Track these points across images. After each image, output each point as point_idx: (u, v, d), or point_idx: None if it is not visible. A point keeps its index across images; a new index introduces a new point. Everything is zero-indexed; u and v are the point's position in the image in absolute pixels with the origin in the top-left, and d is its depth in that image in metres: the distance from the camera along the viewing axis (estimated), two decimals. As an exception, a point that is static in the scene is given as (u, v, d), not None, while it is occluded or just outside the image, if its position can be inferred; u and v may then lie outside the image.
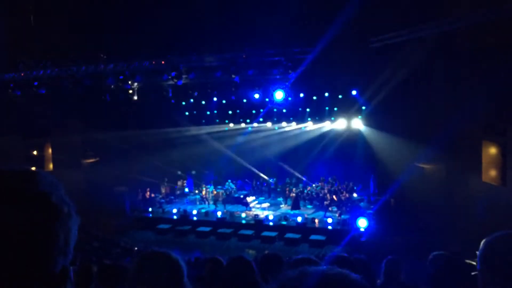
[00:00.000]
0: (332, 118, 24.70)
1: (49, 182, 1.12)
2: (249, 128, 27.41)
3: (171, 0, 19.69)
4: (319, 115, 25.39)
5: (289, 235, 19.77)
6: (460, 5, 15.86)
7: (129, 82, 18.57)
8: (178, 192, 26.56)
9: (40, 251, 1.04)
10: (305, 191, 24.72)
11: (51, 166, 22.54)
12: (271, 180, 26.68)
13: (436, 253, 3.40)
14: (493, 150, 15.96)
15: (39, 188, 1.09)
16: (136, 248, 16.64)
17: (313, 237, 19.40)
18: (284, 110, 25.82)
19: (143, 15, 19.39)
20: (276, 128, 27.69)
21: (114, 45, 18.41)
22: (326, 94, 22.43)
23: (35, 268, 1.03)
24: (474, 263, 1.98)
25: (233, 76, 17.47)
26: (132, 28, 19.24)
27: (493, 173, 15.92)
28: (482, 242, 1.89)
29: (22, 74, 18.59)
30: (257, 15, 18.02)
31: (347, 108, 23.35)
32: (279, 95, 17.72)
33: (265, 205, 23.69)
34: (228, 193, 25.27)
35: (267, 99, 19.53)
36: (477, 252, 1.90)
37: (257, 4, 18.25)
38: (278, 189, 26.43)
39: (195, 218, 22.28)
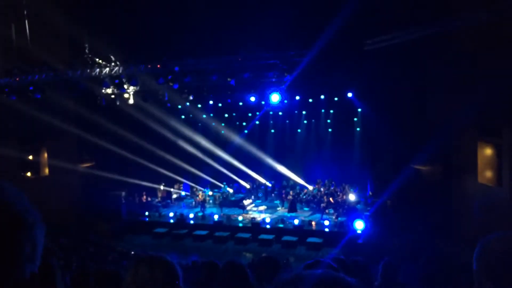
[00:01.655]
0: (328, 121, 24.75)
1: (12, 192, 1.14)
2: (245, 131, 27.44)
3: (167, 3, 19.71)
4: (315, 118, 25.43)
5: (286, 237, 19.75)
6: (455, 7, 15.95)
7: (125, 86, 18.53)
8: (174, 195, 26.51)
9: (7, 260, 1.06)
10: (302, 193, 24.73)
11: (46, 171, 22.45)
12: (269, 183, 26.66)
13: (431, 254, 3.42)
14: (488, 151, 16.02)
15: (1, 198, 1.11)
16: (132, 252, 16.59)
17: (310, 239, 19.39)
18: (280, 113, 25.88)
19: (138, 18, 19.38)
20: (272, 130, 27.74)
21: (109, 49, 18.37)
22: (322, 97, 22.49)
23: (4, 276, 1.05)
24: (470, 263, 1.98)
25: (229, 79, 17.47)
26: (127, 31, 19.23)
27: (489, 174, 15.97)
28: (478, 243, 1.89)
29: (18, 79, 18.52)
30: (253, 18, 18.06)
31: (343, 110, 23.40)
32: (275, 98, 17.72)
33: (262, 208, 23.67)
34: (224, 196, 25.25)
35: (263, 102, 19.55)
36: (473, 253, 1.90)
37: (252, 7, 18.29)
38: (275, 192, 26.40)
39: (192, 222, 22.23)
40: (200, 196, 24.58)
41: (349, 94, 21.16)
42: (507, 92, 13.62)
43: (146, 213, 23.52)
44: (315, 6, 17.84)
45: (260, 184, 27.06)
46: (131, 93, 19.47)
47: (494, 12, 12.15)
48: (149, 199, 24.87)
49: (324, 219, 20.64)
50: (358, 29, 16.38)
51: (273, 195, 26.29)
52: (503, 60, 13.51)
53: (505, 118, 14.41)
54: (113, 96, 19.69)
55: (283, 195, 24.46)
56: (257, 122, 26.77)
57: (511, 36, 13.13)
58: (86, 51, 18.47)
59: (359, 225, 18.55)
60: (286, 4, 17.69)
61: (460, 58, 15.74)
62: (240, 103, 22.99)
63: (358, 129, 25.00)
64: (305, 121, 26.66)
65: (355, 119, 24.55)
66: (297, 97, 21.50)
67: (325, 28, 15.64)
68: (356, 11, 14.70)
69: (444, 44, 16.30)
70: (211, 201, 25.27)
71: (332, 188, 24.62)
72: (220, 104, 24.32)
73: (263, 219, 21.43)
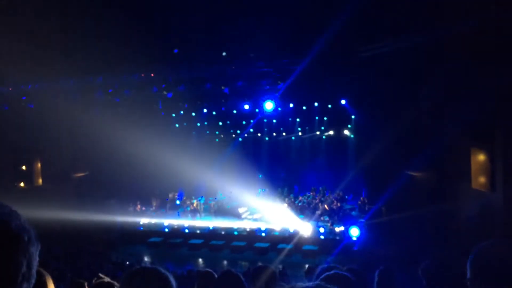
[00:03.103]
0: (322, 128, 24.82)
1: (7, 211, 1.15)
2: (240, 139, 27.45)
3: (160, 12, 19.74)
4: (309, 125, 25.51)
5: (282, 245, 19.70)
6: (446, 15, 16.09)
7: (119, 95, 18.53)
8: (169, 204, 26.40)
9: (4, 279, 1.06)
10: (297, 201, 24.71)
11: (40, 181, 22.33)
12: (260, 191, 26.63)
13: (427, 262, 3.42)
14: (481, 157, 16.09)
15: None
16: (127, 263, 16.48)
17: (305, 247, 19.36)
18: (274, 121, 25.93)
19: (132, 27, 19.39)
20: (267, 138, 27.78)
21: (103, 58, 18.37)
22: (316, 104, 22.56)
23: None
24: (465, 271, 1.99)
25: (222, 87, 17.52)
26: (121, 40, 19.23)
27: (482, 179, 16.03)
28: (471, 251, 1.90)
29: (10, 89, 18.47)
30: (246, 27, 18.12)
31: (337, 117, 23.48)
32: (269, 105, 17.79)
33: (257, 215, 23.63)
34: (219, 204, 25.18)
35: (257, 110, 19.60)
36: (467, 261, 1.91)
37: (245, 16, 18.36)
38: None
39: (187, 231, 22.14)
40: (195, 204, 24.46)
41: (343, 101, 21.25)
42: (499, 98, 13.73)
43: (141, 222, 23.41)
44: (308, 14, 17.95)
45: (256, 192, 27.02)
46: (125, 101, 19.48)
47: (486, 20, 12.28)
48: (143, 208, 24.75)
49: (319, 227, 20.63)
50: (351, 37, 16.48)
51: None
52: (495, 67, 13.63)
53: (498, 123, 14.51)
54: (106, 105, 19.68)
55: (278, 203, 24.44)
56: (251, 130, 26.79)
57: (502, 44, 13.26)
58: (80, 60, 18.46)
59: (354, 232, 18.55)
60: (279, 12, 17.77)
61: (452, 65, 15.85)
62: (234, 111, 23.03)
63: (352, 136, 25.08)
64: (299, 128, 26.72)
65: (349, 126, 24.63)
66: (291, 105, 21.56)
67: (318, 36, 15.74)
68: (349, 19, 14.79)
69: (436, 51, 16.42)
70: (205, 209, 25.21)
71: (327, 195, 24.64)
72: (214, 112, 24.33)
73: (259, 227, 21.39)
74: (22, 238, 1.12)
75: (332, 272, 2.73)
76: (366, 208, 22.34)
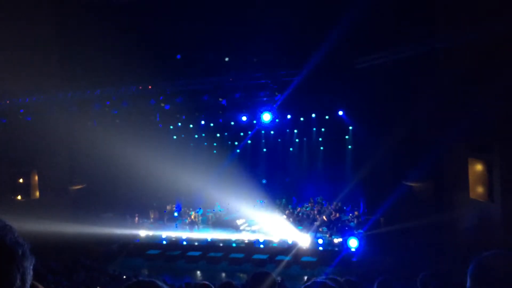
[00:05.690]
0: (320, 139, 24.86)
1: (1, 225, 1.15)
2: (237, 150, 27.45)
3: (157, 24, 19.86)
4: (306, 136, 25.55)
5: (280, 257, 19.60)
6: (441, 27, 16.23)
7: (116, 108, 18.54)
8: (167, 216, 26.28)
9: None
10: (295, 212, 24.65)
11: (37, 193, 22.23)
12: (260, 202, 26.56)
13: (425, 273, 3.41)
14: (479, 167, 16.12)
15: None
16: (125, 276, 16.35)
17: (304, 258, 19.27)
18: (271, 132, 25.97)
19: (129, 40, 19.49)
20: (264, 149, 27.78)
21: (101, 71, 18.41)
22: (313, 115, 22.62)
23: None
24: (463, 281, 1.98)
25: (220, 99, 17.56)
26: (118, 53, 19.32)
27: (480, 189, 16.04)
28: (471, 261, 1.89)
29: (8, 102, 18.46)
30: (243, 39, 18.24)
31: (334, 128, 23.53)
32: (266, 117, 17.82)
33: (255, 227, 23.53)
34: (217, 216, 25.09)
35: (254, 121, 19.64)
36: (467, 271, 1.90)
37: (243, 28, 18.48)
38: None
39: (185, 243, 22.00)
40: (193, 217, 24.35)
41: (340, 112, 21.31)
42: (496, 109, 13.79)
43: (140, 235, 23.26)
44: (305, 26, 18.07)
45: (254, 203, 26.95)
46: (123, 114, 19.50)
47: (482, 32, 12.38)
48: (141, 220, 24.61)
49: (318, 238, 20.55)
50: (348, 49, 16.59)
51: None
52: (492, 78, 13.70)
53: (495, 134, 14.55)
54: (104, 118, 19.70)
55: (276, 214, 24.37)
56: (249, 141, 26.80)
57: (499, 55, 13.36)
58: (78, 73, 18.51)
59: (353, 243, 18.49)
60: (277, 24, 17.89)
61: (449, 76, 15.95)
62: (232, 123, 23.06)
63: (349, 146, 25.11)
64: (297, 140, 26.75)
65: (347, 137, 24.67)
66: (289, 116, 21.62)
67: (316, 48, 15.84)
68: (346, 31, 14.90)
69: (433, 62, 16.53)
70: (203, 221, 25.10)
71: (325, 206, 24.58)
72: (212, 124, 24.35)
73: (257, 239, 21.29)
74: (16, 252, 1.12)
75: (310, 282, 2.74)
76: (359, 220, 22.33)
